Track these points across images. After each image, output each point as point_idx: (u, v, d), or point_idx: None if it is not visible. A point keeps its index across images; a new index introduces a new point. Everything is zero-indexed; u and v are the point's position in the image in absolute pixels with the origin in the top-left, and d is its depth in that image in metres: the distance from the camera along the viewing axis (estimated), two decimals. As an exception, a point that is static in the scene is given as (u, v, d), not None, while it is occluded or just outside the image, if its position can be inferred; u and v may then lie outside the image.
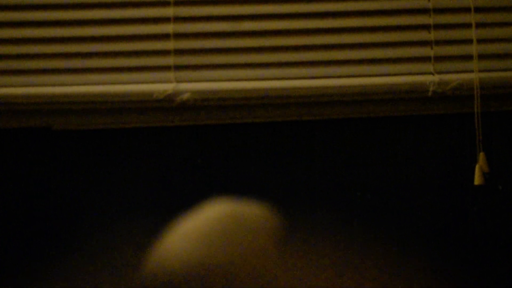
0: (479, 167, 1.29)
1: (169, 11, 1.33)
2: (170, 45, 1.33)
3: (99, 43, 1.32)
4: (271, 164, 1.34)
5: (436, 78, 1.33)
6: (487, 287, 1.33)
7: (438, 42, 1.35)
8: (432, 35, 1.35)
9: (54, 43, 1.32)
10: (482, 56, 1.34)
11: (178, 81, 1.32)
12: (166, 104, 1.32)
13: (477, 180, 1.29)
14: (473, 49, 1.33)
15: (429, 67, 1.34)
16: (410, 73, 1.34)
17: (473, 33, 1.34)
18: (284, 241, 1.31)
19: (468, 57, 1.34)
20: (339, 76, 1.34)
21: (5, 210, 1.31)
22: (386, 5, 1.35)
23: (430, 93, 1.32)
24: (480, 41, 1.34)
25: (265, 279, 1.26)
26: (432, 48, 1.35)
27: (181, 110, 1.33)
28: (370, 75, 1.34)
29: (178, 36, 1.33)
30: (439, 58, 1.35)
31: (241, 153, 1.34)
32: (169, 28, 1.33)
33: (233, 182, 1.33)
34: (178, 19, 1.33)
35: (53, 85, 1.32)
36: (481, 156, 1.30)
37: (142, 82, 1.32)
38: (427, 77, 1.33)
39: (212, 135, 1.34)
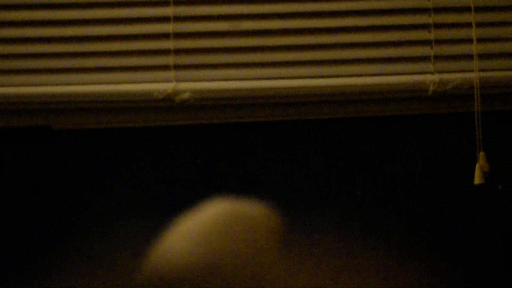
0: (479, 166, 1.29)
1: (169, 11, 1.33)
2: (170, 44, 1.32)
3: (99, 42, 1.32)
4: (271, 164, 1.34)
5: (436, 77, 1.33)
6: (487, 287, 1.33)
7: (438, 42, 1.35)
8: (432, 35, 1.35)
9: (54, 43, 1.32)
10: (482, 56, 1.34)
11: (178, 80, 1.32)
12: (166, 104, 1.32)
13: (477, 179, 1.28)
14: (473, 48, 1.33)
15: (429, 66, 1.34)
16: (410, 73, 1.34)
17: (473, 33, 1.33)
18: (284, 241, 1.31)
19: (468, 57, 1.34)
20: (339, 76, 1.34)
21: (5, 210, 1.31)
22: (386, 5, 1.34)
23: (430, 93, 1.33)
24: (480, 40, 1.34)
25: (265, 278, 1.26)
26: (432, 48, 1.35)
27: (181, 110, 1.33)
28: (370, 75, 1.34)
29: (178, 35, 1.33)
30: (439, 58, 1.35)
31: (241, 153, 1.34)
32: (169, 27, 1.32)
33: (233, 182, 1.33)
34: (178, 18, 1.33)
35: (53, 84, 1.31)
36: (481, 156, 1.30)
37: (142, 82, 1.32)
38: (427, 77, 1.33)
39: (212, 135, 1.34)
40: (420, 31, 1.35)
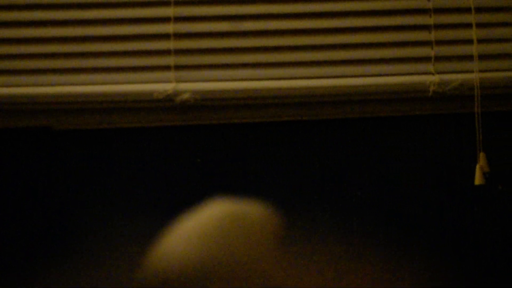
0: (479, 167, 1.29)
1: (169, 11, 1.33)
2: (170, 45, 1.33)
3: (99, 43, 1.32)
4: (271, 164, 1.34)
5: (437, 78, 1.33)
6: (487, 287, 1.33)
7: (438, 42, 1.35)
8: (432, 35, 1.35)
9: (54, 43, 1.32)
10: (482, 56, 1.34)
11: (178, 81, 1.32)
12: (166, 104, 1.32)
13: (478, 180, 1.28)
14: (474, 49, 1.33)
15: (430, 67, 1.34)
16: (410, 73, 1.34)
17: (473, 33, 1.34)
18: (284, 241, 1.31)
19: (468, 57, 1.34)
20: (339, 76, 1.34)
21: (5, 210, 1.31)
22: (387, 5, 1.35)
23: (430, 93, 1.33)
24: (481, 41, 1.34)
25: (265, 279, 1.26)
26: (432, 48, 1.35)
27: (181, 110, 1.33)
28: (370, 75, 1.34)
29: (178, 36, 1.33)
30: (439, 58, 1.35)
31: (241, 153, 1.34)
32: (169, 28, 1.33)
33: (233, 182, 1.33)
34: (178, 19, 1.33)
35: (53, 85, 1.32)
36: (481, 156, 1.30)
37: (142, 82, 1.32)
38: (428, 77, 1.33)
39: (212, 135, 1.34)
40: (420, 32, 1.35)
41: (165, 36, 1.33)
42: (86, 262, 1.30)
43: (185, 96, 1.31)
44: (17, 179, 1.32)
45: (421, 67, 1.35)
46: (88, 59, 1.32)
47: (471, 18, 1.34)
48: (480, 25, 1.34)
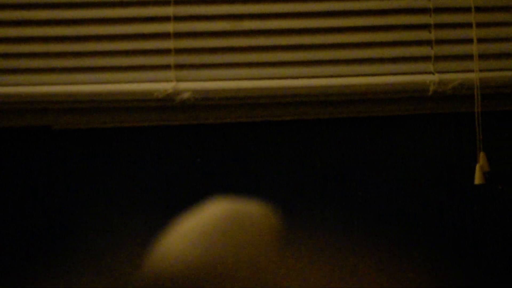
0: (479, 166, 1.29)
1: (169, 10, 1.33)
2: (170, 44, 1.32)
3: (99, 42, 1.32)
4: (272, 163, 1.34)
5: (437, 77, 1.33)
6: (487, 287, 1.33)
7: (438, 42, 1.35)
8: (432, 35, 1.35)
9: (54, 43, 1.32)
10: (482, 56, 1.34)
11: (179, 80, 1.32)
12: (167, 103, 1.32)
13: (478, 179, 1.28)
14: (474, 48, 1.33)
15: (430, 66, 1.34)
16: (410, 73, 1.34)
17: (473, 33, 1.33)
18: (284, 241, 1.31)
19: (468, 57, 1.34)
20: (339, 76, 1.34)
21: (5, 210, 1.31)
22: (387, 5, 1.35)
23: (430, 93, 1.32)
24: (481, 40, 1.34)
25: (265, 279, 1.26)
26: (432, 48, 1.35)
27: (181, 110, 1.33)
28: (370, 75, 1.34)
29: (179, 35, 1.33)
30: (439, 58, 1.35)
31: (241, 153, 1.34)
32: (169, 27, 1.32)
33: (233, 181, 1.33)
34: (178, 18, 1.33)
35: (53, 84, 1.31)
36: (482, 156, 1.29)
37: (143, 81, 1.32)
38: (428, 77, 1.33)
39: (212, 135, 1.34)
40: (420, 31, 1.35)
41: (165, 35, 1.33)
42: (86, 262, 1.30)
43: (186, 95, 1.31)
44: (17, 179, 1.32)
45: (421, 66, 1.35)
46: (88, 59, 1.32)
47: (471, 17, 1.34)
48: (480, 25, 1.34)
